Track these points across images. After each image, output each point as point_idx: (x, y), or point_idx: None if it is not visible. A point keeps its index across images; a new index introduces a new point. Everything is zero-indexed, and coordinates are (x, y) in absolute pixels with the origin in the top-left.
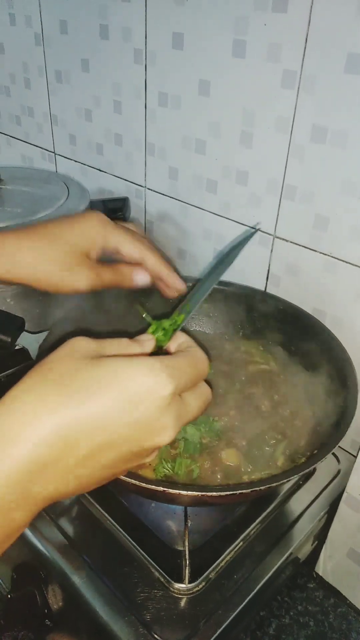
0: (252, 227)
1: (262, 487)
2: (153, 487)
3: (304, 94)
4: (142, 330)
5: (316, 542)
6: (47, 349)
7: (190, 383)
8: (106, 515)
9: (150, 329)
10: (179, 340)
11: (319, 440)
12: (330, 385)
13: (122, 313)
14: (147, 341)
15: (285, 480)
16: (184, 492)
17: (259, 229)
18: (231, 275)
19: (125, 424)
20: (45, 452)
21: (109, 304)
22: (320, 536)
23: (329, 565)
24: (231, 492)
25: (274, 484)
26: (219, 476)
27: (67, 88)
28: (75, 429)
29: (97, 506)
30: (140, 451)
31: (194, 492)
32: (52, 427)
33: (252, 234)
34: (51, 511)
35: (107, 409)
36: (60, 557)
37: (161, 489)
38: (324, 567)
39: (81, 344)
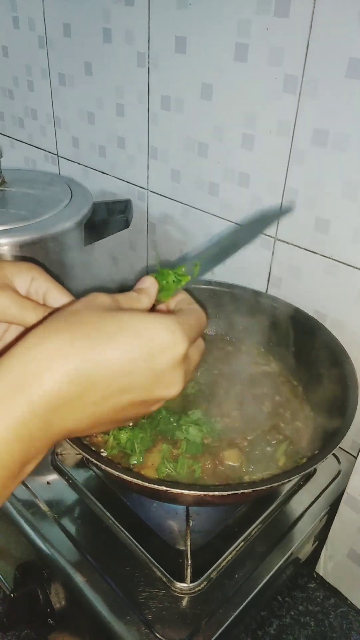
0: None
1: (263, 487)
2: (156, 486)
3: (305, 97)
4: None
5: (317, 543)
6: None
7: (196, 339)
8: (108, 514)
9: (152, 276)
10: (178, 298)
11: (319, 441)
12: (330, 386)
13: None
14: (151, 287)
15: (286, 481)
16: (186, 492)
17: (291, 209)
18: (232, 277)
19: (143, 373)
20: (70, 389)
21: None
22: (321, 536)
23: (330, 566)
24: (233, 492)
25: (275, 484)
26: (220, 476)
27: (71, 91)
28: (98, 371)
29: (100, 506)
30: (149, 400)
31: (196, 492)
32: (78, 368)
33: (285, 212)
34: (54, 510)
35: (129, 356)
36: (63, 556)
37: (164, 488)
38: (324, 568)
39: (100, 297)
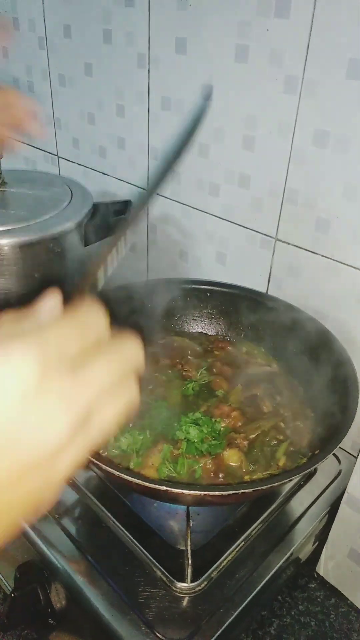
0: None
1: (263, 487)
2: (156, 486)
3: (305, 98)
4: (142, 332)
5: (317, 543)
6: None
7: (73, 345)
8: (109, 514)
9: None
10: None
11: (320, 441)
12: (331, 386)
13: (125, 315)
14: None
15: (286, 480)
16: (186, 492)
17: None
18: (233, 277)
19: None
20: None
21: (112, 306)
22: (321, 536)
23: (330, 566)
24: (233, 492)
25: (275, 484)
26: (221, 476)
27: (71, 92)
28: None
29: (100, 506)
30: (32, 457)
31: (197, 492)
32: None
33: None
34: (55, 511)
35: None
36: (64, 556)
37: (164, 488)
38: (325, 568)
39: None
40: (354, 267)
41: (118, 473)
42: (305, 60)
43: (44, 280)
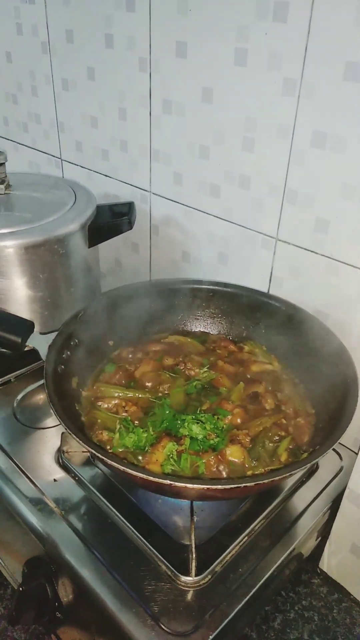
0: None
1: (265, 481)
2: (160, 480)
3: (304, 100)
4: (146, 331)
5: (320, 538)
6: (56, 349)
7: None
8: (114, 511)
9: None
10: None
11: (320, 437)
12: (331, 383)
13: (130, 315)
14: None
15: (286, 475)
16: (189, 485)
17: None
18: (235, 277)
19: None
20: None
21: (116, 306)
22: (324, 532)
23: (333, 561)
24: (235, 485)
25: (277, 478)
26: (223, 472)
27: (74, 95)
28: None
29: (106, 502)
30: None
31: (200, 485)
32: None
33: None
34: (61, 507)
35: None
36: (70, 551)
37: (168, 482)
38: (328, 563)
39: None
40: (354, 266)
41: (123, 468)
42: (304, 62)
43: (48, 281)
